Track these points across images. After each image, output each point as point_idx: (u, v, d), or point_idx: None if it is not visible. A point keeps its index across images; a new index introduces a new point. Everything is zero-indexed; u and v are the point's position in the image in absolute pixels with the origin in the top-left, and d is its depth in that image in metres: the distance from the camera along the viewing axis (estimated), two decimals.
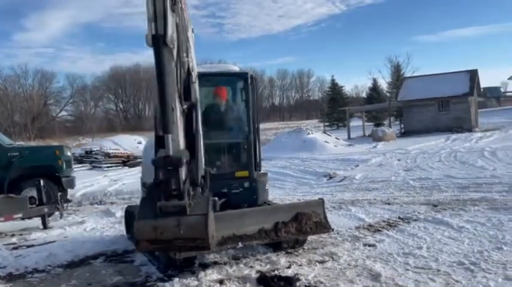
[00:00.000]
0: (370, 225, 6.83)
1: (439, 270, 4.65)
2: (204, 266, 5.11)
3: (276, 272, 4.82)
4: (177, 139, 4.29)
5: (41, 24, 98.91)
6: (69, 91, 67.61)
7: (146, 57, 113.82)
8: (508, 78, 45.77)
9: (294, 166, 15.80)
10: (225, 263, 5.23)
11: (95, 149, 21.65)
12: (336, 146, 21.60)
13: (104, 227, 8.12)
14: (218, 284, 4.56)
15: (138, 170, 15.63)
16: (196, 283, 4.63)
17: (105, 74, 75.10)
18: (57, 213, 8.91)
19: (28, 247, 6.93)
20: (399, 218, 7.09)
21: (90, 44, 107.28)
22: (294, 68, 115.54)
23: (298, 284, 4.48)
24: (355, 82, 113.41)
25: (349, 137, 29.33)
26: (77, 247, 6.63)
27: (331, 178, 13.05)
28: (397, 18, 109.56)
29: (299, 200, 9.25)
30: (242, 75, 6.33)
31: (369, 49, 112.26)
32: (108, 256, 6.12)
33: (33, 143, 33.11)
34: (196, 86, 4.84)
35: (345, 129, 33.45)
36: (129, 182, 14.83)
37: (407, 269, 4.75)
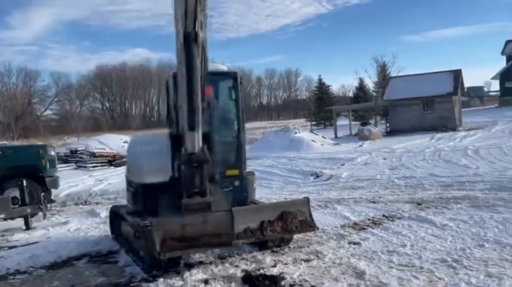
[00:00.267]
0: (355, 223, 6.88)
1: (422, 267, 4.71)
2: (189, 266, 5.08)
3: (261, 271, 4.82)
4: (199, 137, 4.29)
5: (26, 22, 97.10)
6: (54, 90, 66.61)
7: (132, 55, 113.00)
8: (491, 78, 46.57)
9: (281, 165, 15.83)
10: (210, 263, 5.21)
11: (80, 149, 21.37)
12: (322, 145, 21.70)
13: (88, 227, 8.02)
14: (203, 284, 4.55)
15: (124, 169, 15.48)
16: (181, 283, 4.61)
17: (91, 73, 74.23)
18: (40, 213, 8.78)
19: (10, 248, 6.82)
20: (384, 216, 7.16)
21: (76, 43, 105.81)
22: (282, 68, 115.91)
23: (283, 283, 4.49)
24: (342, 81, 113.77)
25: (335, 136, 29.50)
26: (60, 248, 6.54)
27: (317, 176, 13.11)
28: (384, 18, 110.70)
29: (285, 199, 9.27)
30: (231, 75, 6.37)
31: (355, 49, 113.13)
32: (92, 256, 6.05)
33: (17, 143, 32.49)
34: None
35: (332, 128, 33.63)
36: (115, 181, 14.68)
37: (391, 267, 4.80)
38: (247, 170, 6.55)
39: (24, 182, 8.46)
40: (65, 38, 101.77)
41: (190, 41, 3.99)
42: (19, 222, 8.28)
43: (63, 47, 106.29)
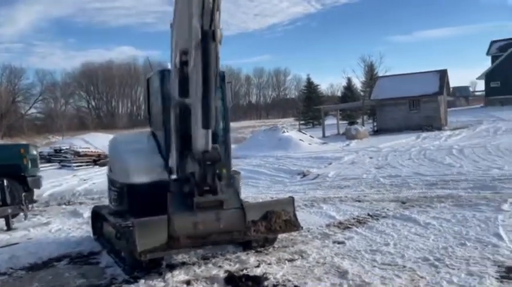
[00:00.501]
0: (340, 222, 6.89)
1: (404, 266, 4.73)
2: (172, 267, 5.02)
3: (244, 271, 4.78)
4: (211, 135, 4.37)
5: (10, 20, 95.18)
6: (39, 88, 65.45)
7: (119, 53, 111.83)
8: (477, 78, 47.26)
9: (269, 164, 15.81)
10: (193, 264, 5.16)
11: (64, 148, 21.05)
12: (310, 144, 21.75)
13: (70, 228, 7.89)
14: (185, 285, 4.50)
15: None
16: (162, 284, 4.55)
17: (76, 71, 73.16)
18: (21, 214, 8.60)
19: None
20: (368, 215, 7.19)
21: (61, 40, 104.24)
22: (271, 67, 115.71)
23: (266, 283, 4.47)
24: (330, 81, 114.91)
25: (323, 135, 29.61)
26: (40, 249, 6.42)
27: (304, 175, 13.12)
28: (372, 18, 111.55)
29: (272, 198, 9.24)
30: (219, 74, 6.31)
31: (344, 48, 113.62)
32: (73, 257, 5.95)
33: (1, 142, 31.92)
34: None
35: (321, 127, 33.76)
36: (100, 181, 14.47)
37: (374, 266, 4.81)
38: (233, 169, 6.51)
39: (5, 182, 8.27)
40: (50, 35, 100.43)
41: (208, 39, 4.03)
42: (0, 222, 8.10)
43: (48, 44, 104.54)
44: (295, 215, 5.50)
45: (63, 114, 62.27)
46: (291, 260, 5.14)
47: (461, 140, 19.23)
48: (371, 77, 46.80)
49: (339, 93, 53.17)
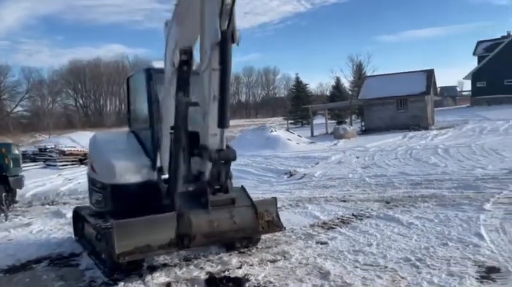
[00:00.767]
0: (324, 223, 6.88)
1: (386, 267, 4.73)
2: (153, 269, 4.95)
3: (226, 273, 4.74)
4: (225, 134, 4.45)
5: None
6: (25, 85, 64.51)
7: (107, 51, 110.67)
8: (464, 78, 47.88)
9: (256, 163, 15.78)
10: (174, 265, 5.09)
11: (49, 147, 20.74)
12: (298, 143, 21.78)
13: (51, 229, 7.75)
14: None
15: None
16: (142, 286, 4.47)
17: (64, 68, 72.23)
18: (2, 215, 8.43)
19: None
20: (353, 215, 7.19)
21: (49, 37, 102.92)
22: (260, 66, 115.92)
23: (247, 285, 4.43)
24: (320, 80, 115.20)
25: (312, 135, 29.68)
26: (20, 251, 6.30)
27: (291, 175, 13.12)
28: (360, 18, 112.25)
29: (258, 198, 9.20)
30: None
31: (333, 48, 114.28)
32: (53, 259, 5.83)
33: None
34: None
35: (309, 126, 33.83)
36: (85, 181, 14.17)
37: (356, 267, 4.80)
38: None
39: None
40: (37, 32, 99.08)
41: (227, 40, 4.09)
42: None
43: (35, 41, 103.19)
44: (277, 216, 5.48)
45: (50, 112, 61.42)
46: (273, 261, 5.10)
47: (447, 139, 19.42)
48: (359, 77, 47.08)
49: (328, 93, 53.33)
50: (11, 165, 9.91)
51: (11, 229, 7.84)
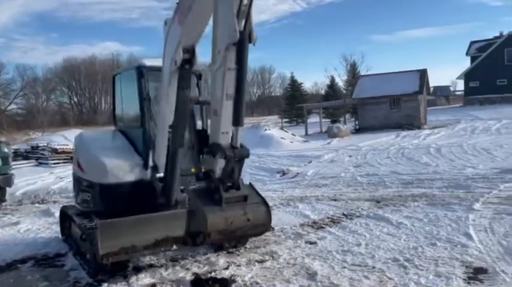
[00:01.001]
0: (314, 222, 6.86)
1: (374, 267, 4.71)
2: (138, 270, 4.89)
3: (212, 274, 4.70)
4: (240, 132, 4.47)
5: None
6: (20, 83, 63.90)
7: (102, 49, 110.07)
8: (457, 78, 48.06)
9: (249, 162, 15.61)
10: (161, 266, 5.04)
11: (41, 145, 20.54)
12: (291, 142, 21.76)
13: (39, 228, 7.66)
14: None
15: None
16: None
17: (58, 66, 71.68)
18: None
19: None
20: (343, 214, 7.17)
21: (44, 35, 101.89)
22: (256, 64, 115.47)
23: (233, 286, 4.39)
24: (315, 79, 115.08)
25: (306, 134, 29.68)
26: (6, 250, 6.22)
27: (284, 174, 13.09)
28: (355, 17, 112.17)
29: None
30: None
31: (328, 47, 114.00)
32: (38, 259, 5.76)
33: None
34: None
35: (304, 125, 33.83)
36: None
37: (344, 267, 4.78)
38: None
39: None
40: (32, 30, 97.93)
41: (244, 41, 4.16)
42: None
43: (30, 39, 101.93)
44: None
45: (45, 110, 60.94)
46: (261, 262, 5.07)
47: (439, 139, 19.46)
48: (353, 76, 47.14)
49: (323, 92, 53.33)
50: (1, 163, 9.81)
51: None
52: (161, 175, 5.28)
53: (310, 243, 5.74)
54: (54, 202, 11.13)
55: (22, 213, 9.57)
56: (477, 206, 6.90)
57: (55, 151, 19.55)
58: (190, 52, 4.82)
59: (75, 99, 73.51)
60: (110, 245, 4.24)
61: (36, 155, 19.98)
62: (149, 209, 4.75)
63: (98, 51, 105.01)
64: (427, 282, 4.26)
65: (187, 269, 4.88)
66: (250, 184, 5.31)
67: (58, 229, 7.00)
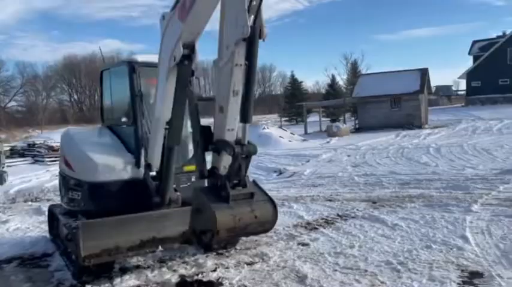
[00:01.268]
0: (308, 223, 6.71)
1: (366, 270, 4.57)
2: (124, 271, 4.76)
3: (199, 276, 4.56)
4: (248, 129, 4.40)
5: None
6: (20, 80, 63.87)
7: (102, 46, 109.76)
8: (458, 78, 47.78)
9: None
10: (147, 267, 4.91)
11: (38, 142, 20.44)
12: (290, 141, 21.63)
13: (29, 227, 7.53)
14: None
15: None
16: None
17: (58, 63, 71.62)
18: None
19: None
20: (338, 215, 7.02)
21: (45, 32, 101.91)
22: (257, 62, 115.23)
23: None
24: (316, 78, 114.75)
25: (305, 132, 29.53)
26: None
27: (280, 173, 12.95)
28: (357, 16, 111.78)
29: None
30: None
31: (330, 46, 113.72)
32: (24, 259, 5.63)
33: None
34: None
35: (304, 124, 33.68)
36: None
37: (336, 270, 4.64)
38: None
39: None
40: (32, 27, 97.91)
41: (255, 37, 4.07)
42: None
43: (31, 35, 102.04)
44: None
45: (45, 107, 60.88)
46: (250, 264, 4.93)
47: (439, 139, 19.30)
48: (354, 75, 46.94)
49: (324, 91, 53.10)
50: None
51: None
52: (153, 173, 5.14)
53: (303, 245, 5.60)
54: (48, 200, 10.99)
55: (14, 211, 9.45)
56: (475, 207, 6.75)
57: (51, 148, 19.43)
58: (189, 48, 4.69)
59: (75, 97, 73.47)
60: (92, 246, 4.11)
61: (32, 153, 19.88)
62: (141, 209, 4.61)
63: (99, 49, 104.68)
64: (420, 286, 4.12)
65: (174, 270, 4.75)
66: (254, 181, 5.18)
67: (47, 228, 6.87)
